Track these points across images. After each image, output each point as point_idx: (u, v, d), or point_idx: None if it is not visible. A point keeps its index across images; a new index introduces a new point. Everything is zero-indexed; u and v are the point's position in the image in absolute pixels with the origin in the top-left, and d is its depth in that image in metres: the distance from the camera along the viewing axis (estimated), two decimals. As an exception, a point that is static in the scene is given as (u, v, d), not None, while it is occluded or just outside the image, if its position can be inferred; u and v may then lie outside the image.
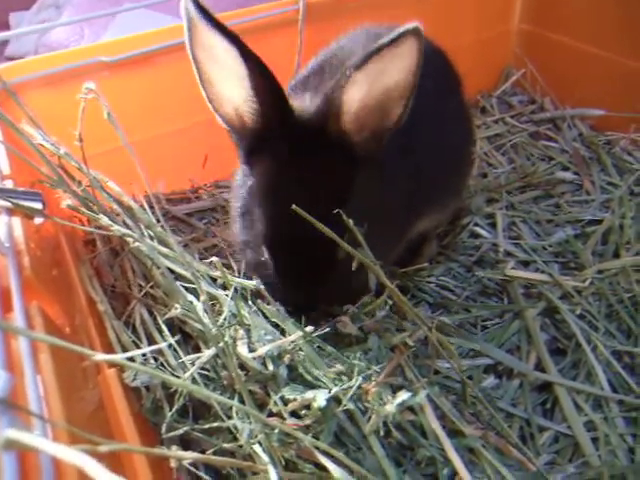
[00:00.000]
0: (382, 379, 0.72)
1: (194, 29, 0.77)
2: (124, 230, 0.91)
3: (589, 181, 1.49)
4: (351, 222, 0.70)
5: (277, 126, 0.82)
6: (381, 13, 1.43)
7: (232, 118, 0.85)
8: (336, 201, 0.77)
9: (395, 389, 0.75)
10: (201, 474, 0.77)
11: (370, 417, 0.71)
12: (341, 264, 0.82)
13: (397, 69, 0.75)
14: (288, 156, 0.83)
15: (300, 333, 0.75)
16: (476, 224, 1.36)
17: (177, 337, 0.90)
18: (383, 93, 0.78)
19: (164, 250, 0.89)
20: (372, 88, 0.77)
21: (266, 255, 0.85)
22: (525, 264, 1.24)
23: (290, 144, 0.82)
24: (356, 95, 0.78)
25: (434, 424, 0.74)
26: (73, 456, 0.35)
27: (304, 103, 0.88)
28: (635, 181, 1.44)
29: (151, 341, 0.93)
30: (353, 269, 0.75)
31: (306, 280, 0.84)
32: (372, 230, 0.78)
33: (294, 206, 0.68)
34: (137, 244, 0.88)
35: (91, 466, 0.34)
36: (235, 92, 0.82)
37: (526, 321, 1.08)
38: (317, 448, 0.67)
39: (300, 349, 0.76)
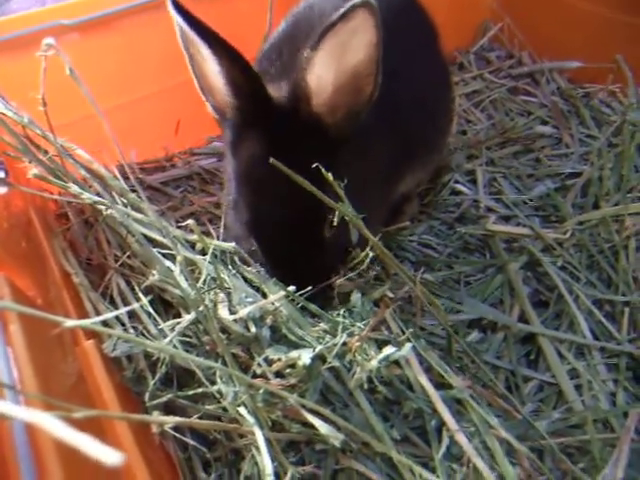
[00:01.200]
0: (366, 333, 0.71)
1: (181, 24, 0.78)
2: (95, 197, 0.87)
3: (568, 134, 1.48)
4: (330, 176, 0.68)
5: (254, 116, 0.82)
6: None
7: (221, 109, 0.86)
8: (317, 184, 0.71)
9: (380, 344, 0.75)
10: (188, 440, 0.76)
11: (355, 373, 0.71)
12: (329, 243, 0.82)
13: (357, 45, 0.73)
14: (265, 145, 0.82)
15: (282, 293, 0.74)
16: (457, 181, 1.34)
17: (157, 305, 0.88)
18: (350, 72, 0.77)
19: (138, 216, 0.86)
20: (338, 68, 0.76)
21: (254, 245, 0.85)
22: (506, 219, 1.24)
23: (267, 133, 0.82)
24: (322, 76, 0.77)
25: (420, 376, 0.74)
26: (44, 420, 0.33)
27: (280, 88, 0.86)
28: (613, 132, 1.43)
29: (130, 311, 0.90)
30: (334, 224, 0.73)
31: (296, 265, 0.83)
32: (357, 202, 0.75)
33: (272, 159, 0.65)
34: (110, 211, 0.85)
35: (62, 429, 0.33)
36: (219, 85, 0.82)
37: (508, 275, 1.08)
38: (303, 407, 0.66)
39: (282, 309, 0.74)
